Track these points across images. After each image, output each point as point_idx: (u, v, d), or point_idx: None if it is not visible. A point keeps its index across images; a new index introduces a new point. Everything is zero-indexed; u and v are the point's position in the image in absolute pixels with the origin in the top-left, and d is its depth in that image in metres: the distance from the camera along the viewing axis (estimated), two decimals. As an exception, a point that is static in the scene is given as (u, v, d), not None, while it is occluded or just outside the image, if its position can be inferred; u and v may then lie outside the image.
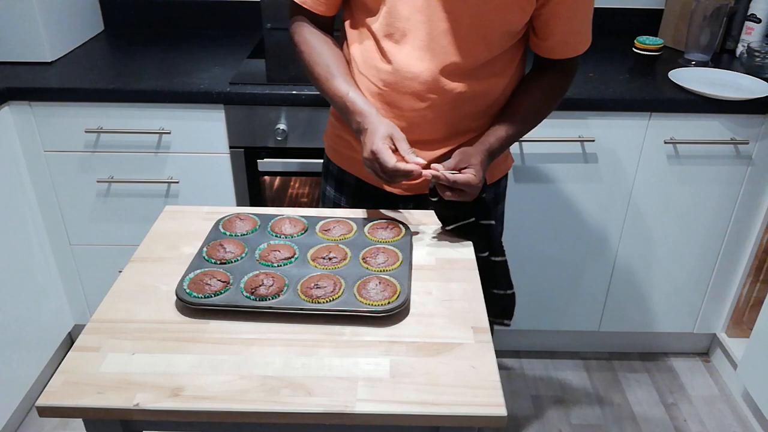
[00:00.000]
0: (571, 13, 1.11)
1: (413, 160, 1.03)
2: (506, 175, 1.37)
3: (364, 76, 1.18)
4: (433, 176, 1.05)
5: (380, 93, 1.17)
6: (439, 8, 1.08)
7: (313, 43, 1.18)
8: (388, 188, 1.27)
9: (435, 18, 1.09)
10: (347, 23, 1.21)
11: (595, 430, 1.91)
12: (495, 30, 1.11)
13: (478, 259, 1.09)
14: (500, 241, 1.19)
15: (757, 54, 1.83)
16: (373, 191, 1.29)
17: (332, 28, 1.23)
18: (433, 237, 1.12)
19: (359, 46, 1.18)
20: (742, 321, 2.01)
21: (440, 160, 1.23)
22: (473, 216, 1.11)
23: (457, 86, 1.14)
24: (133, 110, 1.72)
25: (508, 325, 1.29)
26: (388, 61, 1.14)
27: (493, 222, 1.15)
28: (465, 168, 1.07)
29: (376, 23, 1.13)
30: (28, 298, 1.83)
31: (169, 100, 1.70)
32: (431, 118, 1.17)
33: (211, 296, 0.92)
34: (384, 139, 1.04)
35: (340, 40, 1.25)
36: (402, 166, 1.02)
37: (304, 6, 1.18)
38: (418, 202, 1.25)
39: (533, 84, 1.22)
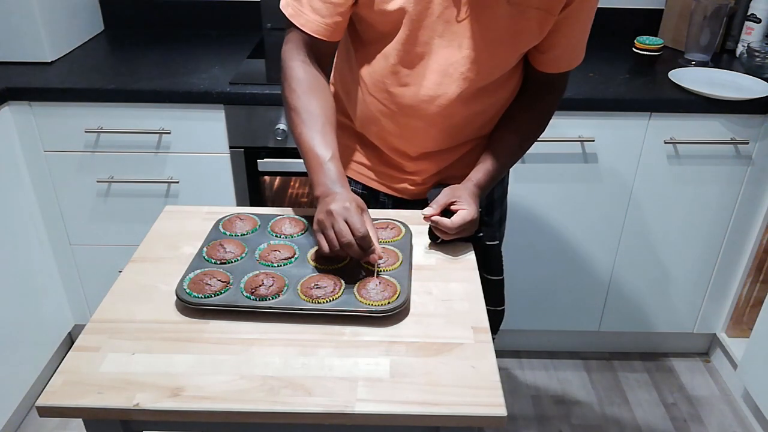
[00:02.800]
0: (571, 29, 1.10)
1: (378, 245, 0.96)
2: (507, 173, 1.37)
3: (373, 97, 1.15)
4: (432, 223, 1.05)
5: (393, 114, 1.15)
6: (460, 35, 1.06)
7: (303, 81, 1.08)
8: (397, 194, 1.27)
9: (455, 44, 1.07)
10: (353, 43, 1.17)
11: (595, 430, 1.91)
12: (514, 52, 1.10)
13: None
14: (500, 261, 1.18)
15: (757, 54, 1.83)
16: (381, 199, 1.29)
17: (332, 57, 1.16)
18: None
19: (369, 67, 1.14)
20: (742, 321, 2.01)
21: (448, 166, 1.24)
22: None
23: (472, 107, 1.13)
24: (133, 110, 1.72)
25: (493, 339, 1.30)
26: (404, 85, 1.11)
27: (496, 243, 1.15)
28: (454, 203, 1.07)
29: (392, 47, 1.09)
30: (28, 298, 1.83)
31: (169, 100, 1.70)
32: (443, 135, 1.17)
33: (211, 296, 0.92)
34: (358, 208, 0.96)
35: (343, 57, 1.22)
36: (372, 236, 0.94)
37: (309, 33, 1.07)
38: (424, 207, 1.25)
39: (520, 114, 1.20)
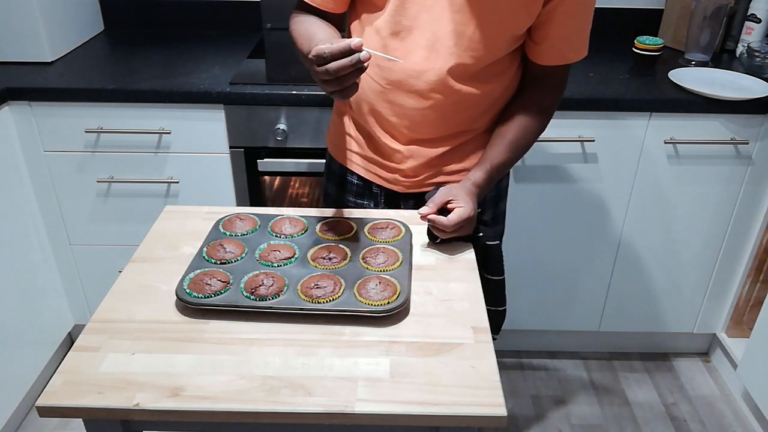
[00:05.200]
0: (566, 18, 1.11)
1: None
2: (507, 174, 1.37)
3: (366, 73, 1.17)
4: (429, 222, 1.06)
5: (383, 91, 1.17)
6: (448, 9, 1.08)
7: (304, 19, 1.14)
8: (389, 186, 1.27)
9: (443, 19, 1.09)
10: (351, 20, 1.21)
11: (595, 430, 1.91)
12: (502, 33, 1.11)
13: None
14: (500, 260, 1.18)
15: (757, 54, 1.83)
16: (374, 190, 1.30)
17: (340, 27, 1.20)
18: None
19: (363, 42, 1.17)
20: (742, 321, 2.01)
21: (439, 158, 1.24)
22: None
23: (462, 88, 1.14)
24: (133, 110, 1.72)
25: (495, 339, 1.30)
26: None
27: (496, 243, 1.15)
28: (451, 201, 1.07)
29: (381, 20, 1.12)
30: (28, 297, 1.83)
31: (169, 100, 1.70)
32: (433, 117, 1.17)
33: (211, 296, 0.92)
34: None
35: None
36: (341, 42, 0.87)
37: (312, 4, 1.15)
38: (418, 200, 1.26)
39: (520, 113, 1.20)
